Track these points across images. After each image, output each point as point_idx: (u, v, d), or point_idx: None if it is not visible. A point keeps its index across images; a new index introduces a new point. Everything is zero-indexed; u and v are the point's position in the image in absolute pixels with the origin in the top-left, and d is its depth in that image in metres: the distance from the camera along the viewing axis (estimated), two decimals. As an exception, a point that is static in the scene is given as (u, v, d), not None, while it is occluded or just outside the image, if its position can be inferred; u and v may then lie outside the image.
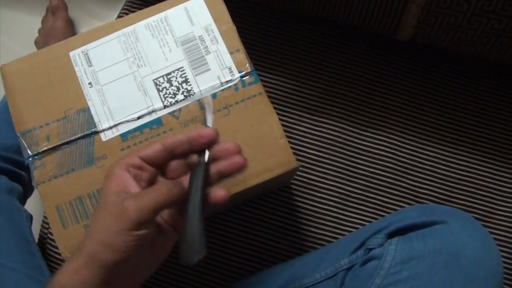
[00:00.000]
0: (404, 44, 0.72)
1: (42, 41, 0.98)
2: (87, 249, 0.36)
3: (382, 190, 0.69)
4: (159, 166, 0.41)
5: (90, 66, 0.54)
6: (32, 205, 0.71)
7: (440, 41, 0.65)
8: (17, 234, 0.61)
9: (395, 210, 0.69)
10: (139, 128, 0.53)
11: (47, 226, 0.69)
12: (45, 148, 0.52)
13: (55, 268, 0.66)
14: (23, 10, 1.08)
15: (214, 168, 0.41)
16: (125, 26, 0.56)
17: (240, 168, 0.40)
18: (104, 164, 0.52)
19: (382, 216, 0.68)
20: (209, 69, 0.54)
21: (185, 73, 0.54)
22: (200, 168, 0.40)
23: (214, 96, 0.53)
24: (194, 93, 0.53)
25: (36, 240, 0.66)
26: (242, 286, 0.63)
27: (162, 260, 0.41)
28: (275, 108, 0.71)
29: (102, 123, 0.53)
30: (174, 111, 0.53)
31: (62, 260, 0.54)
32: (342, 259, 0.53)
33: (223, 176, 0.41)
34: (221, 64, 0.54)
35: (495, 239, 0.68)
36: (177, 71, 0.54)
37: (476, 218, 0.68)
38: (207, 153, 0.41)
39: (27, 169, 0.52)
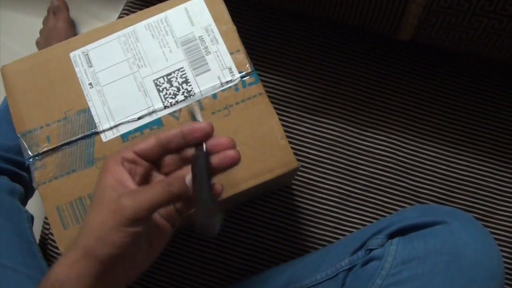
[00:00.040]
0: (404, 44, 0.72)
1: (44, 41, 0.98)
2: (83, 243, 0.36)
3: (382, 190, 0.69)
4: (153, 160, 0.41)
5: (91, 66, 0.54)
6: (33, 205, 0.71)
7: (441, 41, 0.65)
8: (18, 234, 0.61)
9: (395, 210, 0.69)
10: (140, 129, 0.53)
11: (48, 227, 0.69)
12: (45, 149, 0.52)
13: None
14: (23, 11, 1.08)
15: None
16: (125, 27, 0.56)
17: (234, 162, 0.40)
18: (104, 164, 0.52)
19: (383, 216, 0.68)
20: (209, 70, 0.54)
21: (185, 73, 0.54)
22: (201, 157, 0.40)
23: (214, 96, 0.53)
24: (195, 93, 0.53)
25: (37, 241, 0.66)
26: (242, 286, 0.63)
27: (158, 254, 0.41)
28: (275, 108, 0.71)
29: (102, 123, 0.53)
30: (174, 111, 0.53)
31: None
32: (343, 260, 0.53)
33: (217, 170, 0.41)
34: (221, 65, 0.54)
35: (496, 239, 0.67)
36: (177, 71, 0.54)
37: (477, 218, 0.68)
38: (204, 145, 0.41)
39: (28, 169, 0.52)
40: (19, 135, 0.52)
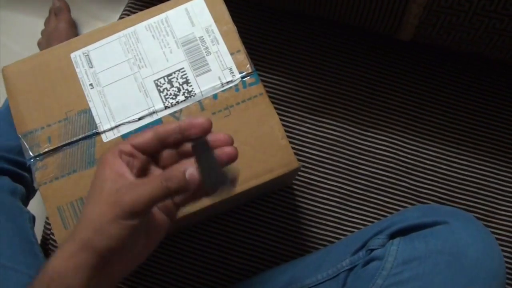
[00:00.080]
0: (405, 44, 0.72)
1: (45, 42, 0.98)
2: (81, 235, 0.36)
3: (383, 190, 0.69)
4: (151, 154, 0.41)
5: (91, 67, 0.54)
6: (34, 206, 0.72)
7: (441, 40, 0.65)
8: (20, 235, 0.61)
9: (396, 210, 0.68)
10: (140, 129, 0.53)
11: (49, 227, 0.69)
12: (46, 149, 0.52)
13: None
14: (24, 11, 1.08)
15: None
16: (126, 27, 0.56)
17: (231, 159, 0.40)
18: (105, 165, 0.52)
19: (384, 216, 0.68)
20: (210, 70, 0.54)
21: (185, 74, 0.54)
22: (202, 142, 0.40)
23: (215, 97, 0.53)
24: (195, 94, 0.53)
25: (39, 241, 0.66)
26: (243, 286, 0.63)
27: (155, 247, 0.41)
28: (276, 108, 0.71)
29: (103, 124, 0.53)
30: (175, 112, 0.53)
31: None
32: (344, 260, 0.53)
33: None
34: (221, 65, 0.54)
35: (497, 239, 0.67)
36: (177, 72, 0.54)
37: (478, 218, 0.68)
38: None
39: (29, 170, 0.53)
40: (20, 136, 0.53)
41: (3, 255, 0.56)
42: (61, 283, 0.35)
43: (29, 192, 0.70)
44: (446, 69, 0.74)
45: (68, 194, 0.51)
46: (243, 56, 0.54)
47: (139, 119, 0.53)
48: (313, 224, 0.68)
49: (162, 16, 0.56)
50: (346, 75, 0.73)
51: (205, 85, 0.54)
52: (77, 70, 0.54)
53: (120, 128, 0.53)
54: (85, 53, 0.55)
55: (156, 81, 0.54)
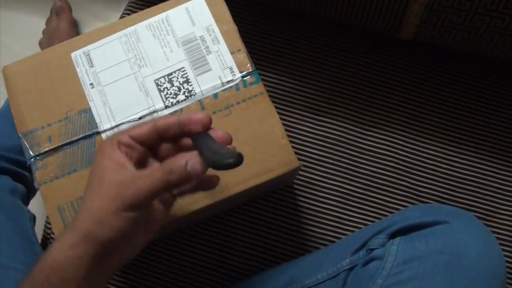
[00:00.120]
0: (406, 43, 0.71)
1: (47, 42, 0.98)
2: (82, 226, 0.36)
3: (384, 190, 0.69)
4: (148, 146, 0.41)
5: (92, 66, 0.54)
6: (35, 205, 0.72)
7: (442, 40, 0.65)
8: (20, 234, 0.61)
9: (397, 209, 0.68)
10: (141, 129, 0.53)
11: (49, 226, 0.69)
12: (46, 149, 0.52)
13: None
14: (24, 11, 1.08)
15: None
16: (127, 27, 0.56)
17: None
18: (105, 164, 0.52)
19: (385, 215, 0.68)
20: (210, 69, 0.54)
21: (186, 73, 0.54)
22: (201, 133, 0.40)
23: (215, 96, 0.53)
24: (195, 93, 0.53)
25: (39, 240, 0.67)
26: (243, 286, 0.63)
27: (152, 238, 0.41)
28: (276, 107, 0.71)
29: (103, 123, 0.53)
30: (175, 111, 0.53)
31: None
32: (344, 260, 0.53)
33: None
34: (222, 64, 0.54)
35: (498, 238, 0.67)
36: (178, 71, 0.54)
37: (479, 217, 0.68)
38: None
39: (30, 169, 0.53)
40: (21, 135, 0.53)
41: (3, 254, 0.56)
42: (61, 273, 0.35)
43: (30, 191, 0.70)
44: (447, 68, 0.74)
45: (68, 194, 0.51)
46: (243, 55, 0.54)
47: (140, 118, 0.53)
48: (313, 223, 0.68)
49: (163, 15, 0.56)
50: (346, 74, 0.73)
51: (205, 84, 0.54)
52: (78, 69, 0.54)
53: (121, 127, 0.53)
54: (86, 52, 0.55)
55: (156, 81, 0.54)
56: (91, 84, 0.54)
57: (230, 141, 0.41)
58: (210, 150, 0.38)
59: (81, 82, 0.54)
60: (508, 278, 0.66)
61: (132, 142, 0.40)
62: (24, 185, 0.68)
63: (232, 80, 0.54)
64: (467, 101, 0.72)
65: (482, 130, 0.71)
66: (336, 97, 0.72)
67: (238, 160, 0.36)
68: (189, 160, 0.37)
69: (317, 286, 0.54)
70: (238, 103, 0.53)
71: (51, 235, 0.69)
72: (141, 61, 0.54)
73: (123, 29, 0.56)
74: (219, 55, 0.54)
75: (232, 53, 0.54)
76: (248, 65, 0.54)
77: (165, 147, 0.42)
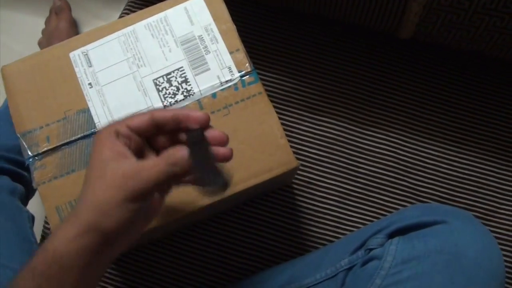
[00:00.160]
0: (405, 42, 0.71)
1: (46, 42, 0.98)
2: (85, 217, 0.36)
3: (383, 189, 0.69)
4: (145, 137, 0.41)
5: (90, 66, 0.54)
6: (34, 205, 0.72)
7: (442, 39, 0.65)
8: (19, 234, 0.61)
9: (396, 209, 0.68)
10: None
11: (48, 227, 0.69)
12: (45, 149, 0.52)
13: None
14: (25, 11, 1.08)
15: None
16: (125, 26, 0.56)
17: (225, 160, 0.40)
18: (104, 164, 0.52)
19: (384, 215, 0.68)
20: (209, 69, 0.54)
21: (184, 73, 0.54)
22: (198, 135, 0.40)
23: (214, 96, 0.53)
24: (194, 93, 0.53)
25: (38, 241, 0.66)
26: (242, 285, 0.63)
27: (148, 226, 0.41)
28: (275, 107, 0.71)
29: (102, 123, 0.53)
30: (173, 111, 0.53)
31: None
32: (343, 259, 0.53)
33: None
34: (220, 64, 0.54)
35: (498, 238, 0.67)
36: (176, 71, 0.54)
37: (478, 217, 0.68)
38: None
39: (29, 169, 0.53)
40: (19, 135, 0.53)
41: (2, 254, 0.56)
42: (63, 264, 0.35)
43: (29, 191, 0.70)
44: (446, 67, 0.74)
45: (66, 194, 0.51)
46: (242, 55, 0.54)
47: (138, 118, 0.53)
48: (312, 223, 0.68)
49: (161, 15, 0.56)
50: (345, 73, 0.73)
51: (204, 84, 0.54)
52: (76, 69, 0.54)
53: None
54: (84, 52, 0.55)
55: (155, 80, 0.54)
56: (90, 84, 0.54)
57: (226, 142, 0.41)
58: (203, 165, 0.38)
59: (80, 82, 0.54)
60: (508, 277, 0.66)
61: (129, 132, 0.39)
62: (23, 185, 0.68)
63: (230, 80, 0.54)
64: (466, 100, 0.72)
65: (482, 129, 0.71)
66: (335, 97, 0.72)
67: (223, 189, 0.37)
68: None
69: (316, 286, 0.54)
70: (236, 102, 0.53)
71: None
72: (139, 61, 0.54)
73: (121, 28, 0.56)
74: (217, 55, 0.54)
75: (230, 52, 0.54)
76: (247, 64, 0.54)
77: (161, 137, 0.42)
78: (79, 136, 0.52)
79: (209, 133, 0.40)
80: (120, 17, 0.79)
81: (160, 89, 0.53)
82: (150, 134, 0.41)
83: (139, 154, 0.40)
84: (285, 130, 0.64)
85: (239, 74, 0.54)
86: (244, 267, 0.67)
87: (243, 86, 0.54)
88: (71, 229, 0.36)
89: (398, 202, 0.69)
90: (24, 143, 0.52)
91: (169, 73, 0.54)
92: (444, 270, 0.46)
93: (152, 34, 0.55)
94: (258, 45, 0.74)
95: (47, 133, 0.52)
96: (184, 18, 0.55)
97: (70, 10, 1.01)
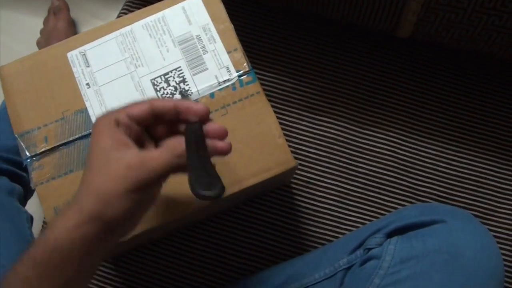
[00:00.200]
0: (404, 42, 0.71)
1: (44, 42, 0.98)
2: (87, 207, 0.36)
3: (382, 189, 0.69)
4: (144, 126, 0.41)
5: (88, 66, 0.54)
6: (32, 206, 0.72)
7: (440, 38, 0.64)
8: (18, 235, 0.61)
9: (395, 208, 0.68)
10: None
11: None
12: (43, 149, 0.52)
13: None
14: (24, 10, 1.08)
15: None
16: (123, 26, 0.56)
17: (223, 153, 0.40)
18: (102, 164, 0.52)
19: (383, 214, 0.68)
20: (207, 69, 0.54)
21: (182, 73, 0.54)
22: (195, 124, 0.39)
23: (211, 95, 0.53)
24: (192, 92, 0.53)
25: (37, 241, 0.66)
26: (241, 285, 0.63)
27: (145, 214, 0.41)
28: (274, 106, 0.71)
29: (100, 123, 0.53)
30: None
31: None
32: (341, 259, 0.53)
33: None
34: (218, 64, 0.54)
35: (496, 237, 0.67)
36: (174, 71, 0.54)
37: (478, 216, 0.68)
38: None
39: (27, 170, 0.53)
40: (17, 136, 0.53)
41: (1, 255, 0.56)
42: (64, 253, 0.35)
43: (27, 192, 0.70)
44: (445, 66, 0.73)
45: (64, 194, 0.51)
46: (240, 54, 0.54)
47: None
48: (311, 222, 0.68)
49: (159, 14, 0.56)
50: (344, 72, 0.73)
51: (202, 84, 0.53)
52: (74, 69, 0.54)
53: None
54: (82, 52, 0.55)
55: (152, 80, 0.54)
56: (88, 84, 0.54)
57: (225, 136, 0.40)
58: (198, 168, 0.38)
59: (78, 82, 0.54)
60: (507, 276, 0.66)
61: (129, 121, 0.39)
62: (22, 185, 0.68)
63: (228, 80, 0.54)
64: (465, 99, 0.72)
65: (481, 128, 0.71)
66: (334, 96, 0.72)
67: (218, 193, 0.37)
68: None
69: (315, 286, 0.54)
70: (234, 102, 0.53)
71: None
72: (137, 61, 0.54)
73: (119, 28, 0.55)
74: (215, 55, 0.54)
75: (228, 52, 0.54)
76: (245, 64, 0.54)
77: (160, 127, 0.42)
78: (77, 136, 0.52)
79: (209, 127, 0.40)
80: (118, 17, 0.79)
81: (158, 89, 0.53)
82: (149, 123, 0.41)
83: (138, 143, 0.40)
84: (284, 129, 0.64)
85: (237, 74, 0.54)
86: (243, 267, 0.67)
87: (241, 85, 0.54)
88: (73, 218, 0.36)
89: (397, 202, 0.69)
90: (22, 144, 0.52)
91: (167, 73, 0.54)
92: (443, 269, 0.46)
93: (149, 34, 0.55)
94: (256, 45, 0.74)
95: (45, 134, 0.52)
96: (182, 18, 0.55)
97: (68, 10, 1.01)
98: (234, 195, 0.52)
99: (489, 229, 0.67)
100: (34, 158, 0.52)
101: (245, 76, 0.54)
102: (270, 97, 0.72)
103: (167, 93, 0.53)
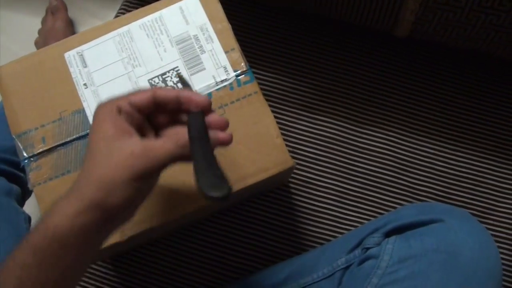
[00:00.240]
0: (402, 41, 0.71)
1: (42, 42, 0.98)
2: (89, 194, 0.36)
3: (380, 188, 0.69)
4: (145, 114, 0.41)
5: (85, 67, 0.54)
6: (30, 206, 0.71)
7: (438, 37, 0.64)
8: (16, 235, 0.61)
9: (394, 207, 0.68)
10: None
11: (45, 227, 0.69)
12: (40, 150, 0.52)
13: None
14: (22, 10, 1.08)
15: None
16: (120, 26, 0.55)
17: (224, 144, 0.40)
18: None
19: (381, 214, 0.68)
20: (204, 69, 0.54)
21: (179, 72, 0.54)
22: (198, 116, 0.39)
23: (209, 95, 0.53)
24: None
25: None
26: (239, 285, 0.63)
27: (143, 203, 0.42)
28: (272, 106, 0.71)
29: (97, 124, 0.52)
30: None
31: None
32: (339, 259, 0.53)
33: None
34: (216, 64, 0.54)
35: (495, 235, 0.67)
36: (172, 71, 0.54)
37: (475, 215, 0.68)
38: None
39: (25, 170, 0.52)
40: (14, 137, 0.52)
41: (-1, 255, 0.56)
42: (64, 240, 0.35)
43: (25, 192, 0.70)
44: (443, 65, 0.73)
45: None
46: (237, 54, 0.54)
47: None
48: (309, 222, 0.68)
49: (156, 14, 0.56)
50: (342, 72, 0.73)
51: (199, 84, 0.53)
52: (71, 70, 0.54)
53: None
54: (79, 52, 0.55)
55: (150, 80, 0.53)
56: (85, 84, 0.54)
57: (226, 127, 0.40)
58: (203, 163, 0.37)
59: (75, 83, 0.54)
60: (505, 275, 0.66)
61: (131, 109, 0.39)
62: (20, 186, 0.68)
63: (226, 79, 0.54)
64: (463, 98, 0.72)
65: (479, 127, 0.71)
66: (332, 95, 0.72)
67: (226, 194, 0.36)
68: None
69: (313, 286, 0.54)
70: (232, 102, 0.53)
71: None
72: (134, 61, 0.54)
73: (116, 28, 0.55)
74: (213, 54, 0.54)
75: (226, 52, 0.54)
76: (242, 64, 0.54)
77: (161, 116, 0.41)
78: (74, 137, 0.52)
79: (210, 117, 0.40)
80: (116, 16, 0.79)
81: (156, 89, 0.53)
82: (150, 112, 0.41)
83: (139, 131, 0.40)
84: (282, 129, 0.64)
85: (235, 73, 0.54)
86: (241, 266, 0.67)
87: (239, 85, 0.53)
88: (74, 205, 0.36)
89: (395, 201, 0.69)
90: (20, 144, 0.52)
91: (164, 73, 0.54)
92: (441, 269, 0.46)
93: (147, 34, 0.55)
94: (254, 44, 0.74)
95: (43, 134, 0.52)
96: (179, 18, 0.55)
97: (66, 9, 1.01)
98: (232, 195, 0.52)
99: (487, 228, 0.67)
100: (31, 159, 0.52)
101: (243, 76, 0.54)
102: (268, 96, 0.72)
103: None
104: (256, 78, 0.71)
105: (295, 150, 0.70)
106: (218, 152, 0.39)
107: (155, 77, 0.53)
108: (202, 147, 0.38)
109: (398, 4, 0.60)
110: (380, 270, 0.48)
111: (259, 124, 0.53)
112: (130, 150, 0.37)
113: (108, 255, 0.65)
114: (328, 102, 0.72)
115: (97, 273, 0.67)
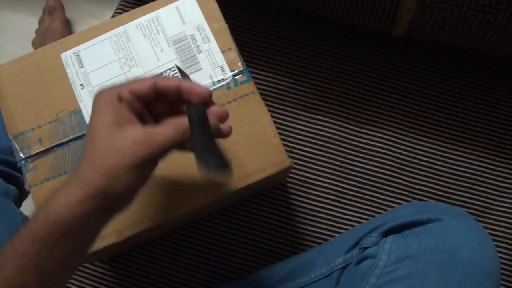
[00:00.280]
0: (400, 40, 0.71)
1: (39, 42, 0.98)
2: (91, 182, 0.36)
3: (378, 187, 0.69)
4: (145, 102, 0.41)
5: (82, 67, 0.54)
6: (28, 207, 0.71)
7: (435, 36, 0.64)
8: (13, 236, 0.61)
9: (391, 207, 0.68)
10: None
11: (43, 228, 0.69)
12: (37, 151, 0.52)
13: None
14: (19, 11, 1.07)
15: None
16: (117, 26, 0.55)
17: (223, 135, 0.40)
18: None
19: (379, 213, 0.68)
20: (201, 69, 0.54)
21: (176, 73, 0.53)
22: (199, 106, 0.39)
23: (206, 95, 0.53)
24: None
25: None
26: (237, 285, 0.63)
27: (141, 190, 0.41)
28: (269, 106, 0.71)
29: (94, 124, 0.52)
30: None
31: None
32: (337, 258, 0.53)
33: None
34: (213, 63, 0.54)
35: (493, 235, 0.67)
36: (168, 70, 0.54)
37: (474, 214, 0.68)
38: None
39: (22, 171, 0.52)
40: (11, 137, 0.52)
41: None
42: (65, 228, 0.35)
43: (22, 193, 0.69)
44: (441, 64, 0.73)
45: (59, 196, 0.51)
46: (234, 54, 0.54)
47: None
48: (307, 222, 0.68)
49: (153, 14, 0.55)
50: (339, 71, 0.73)
51: (196, 84, 0.53)
52: (68, 70, 0.54)
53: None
54: (76, 53, 0.55)
55: (147, 81, 0.53)
56: (81, 84, 0.54)
57: (226, 118, 0.41)
58: (201, 139, 0.38)
59: (71, 83, 0.54)
60: (504, 274, 0.66)
61: (131, 98, 0.39)
62: (17, 186, 0.67)
63: (223, 79, 0.53)
64: (461, 97, 0.72)
65: (477, 126, 0.71)
66: (329, 95, 0.72)
67: (223, 170, 0.37)
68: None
69: (311, 285, 0.54)
70: (229, 102, 0.53)
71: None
72: (131, 61, 0.54)
73: (113, 28, 0.55)
74: (209, 54, 0.54)
75: (223, 52, 0.54)
76: (239, 63, 0.54)
77: (161, 104, 0.41)
78: (71, 137, 0.52)
79: (211, 108, 0.40)
80: (113, 16, 0.79)
81: (152, 89, 0.53)
82: (151, 101, 0.41)
83: (139, 119, 0.40)
84: (279, 128, 0.64)
85: (232, 73, 0.53)
86: (238, 266, 0.67)
87: (236, 85, 0.53)
88: (76, 193, 0.36)
89: (393, 200, 0.69)
90: (16, 145, 0.52)
91: (161, 73, 0.53)
92: (439, 268, 0.46)
93: (143, 34, 0.55)
94: (251, 44, 0.74)
95: (39, 135, 0.52)
96: (176, 18, 0.55)
97: (63, 9, 1.00)
98: (229, 195, 0.52)
99: (486, 227, 0.67)
100: (28, 160, 0.52)
101: (240, 75, 0.54)
102: (265, 96, 0.72)
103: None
104: (255, 77, 0.71)
105: (293, 150, 0.70)
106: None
107: (152, 77, 0.53)
108: (204, 133, 0.38)
109: (395, 3, 0.60)
110: (378, 270, 0.48)
111: (256, 124, 0.53)
112: (131, 137, 0.37)
113: (106, 255, 0.65)
114: (325, 102, 0.72)
115: (95, 273, 0.67)
